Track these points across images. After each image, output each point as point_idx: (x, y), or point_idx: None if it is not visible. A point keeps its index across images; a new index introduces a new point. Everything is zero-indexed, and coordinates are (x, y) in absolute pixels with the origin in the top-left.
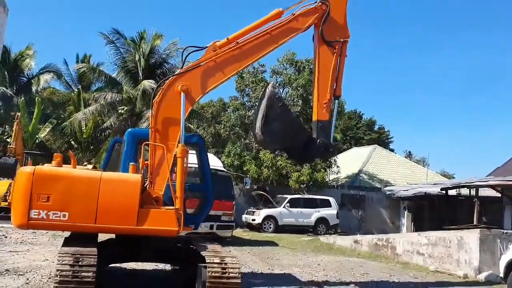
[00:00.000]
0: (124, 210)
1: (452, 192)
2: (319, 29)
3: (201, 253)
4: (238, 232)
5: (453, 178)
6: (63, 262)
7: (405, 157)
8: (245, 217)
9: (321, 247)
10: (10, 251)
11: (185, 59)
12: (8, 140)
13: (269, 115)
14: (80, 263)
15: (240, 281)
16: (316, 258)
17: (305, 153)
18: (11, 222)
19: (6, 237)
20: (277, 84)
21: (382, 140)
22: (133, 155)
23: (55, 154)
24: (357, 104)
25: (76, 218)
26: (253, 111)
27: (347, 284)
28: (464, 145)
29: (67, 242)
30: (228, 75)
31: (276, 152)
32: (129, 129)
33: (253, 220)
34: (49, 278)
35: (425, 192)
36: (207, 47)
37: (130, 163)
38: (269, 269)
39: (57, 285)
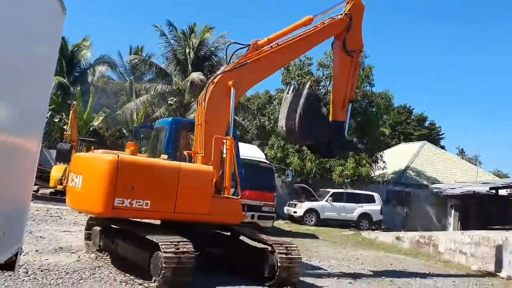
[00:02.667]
0: (199, 199)
1: (502, 192)
2: (340, 39)
3: (267, 241)
4: (280, 224)
5: (507, 177)
6: (169, 250)
7: (457, 154)
8: (287, 209)
9: (362, 242)
10: (65, 231)
11: (231, 57)
12: (65, 127)
13: (305, 112)
14: (181, 250)
15: (300, 263)
16: (356, 252)
17: (326, 149)
18: (66, 204)
19: (61, 218)
20: (324, 77)
21: (433, 136)
22: (175, 143)
23: (128, 142)
24: (408, 99)
25: (157, 206)
26: None
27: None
28: None
29: (147, 230)
30: (271, 72)
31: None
32: (171, 118)
33: (295, 212)
34: (97, 256)
35: (474, 191)
36: (250, 45)
37: (198, 155)
38: (307, 260)
39: (165, 272)
